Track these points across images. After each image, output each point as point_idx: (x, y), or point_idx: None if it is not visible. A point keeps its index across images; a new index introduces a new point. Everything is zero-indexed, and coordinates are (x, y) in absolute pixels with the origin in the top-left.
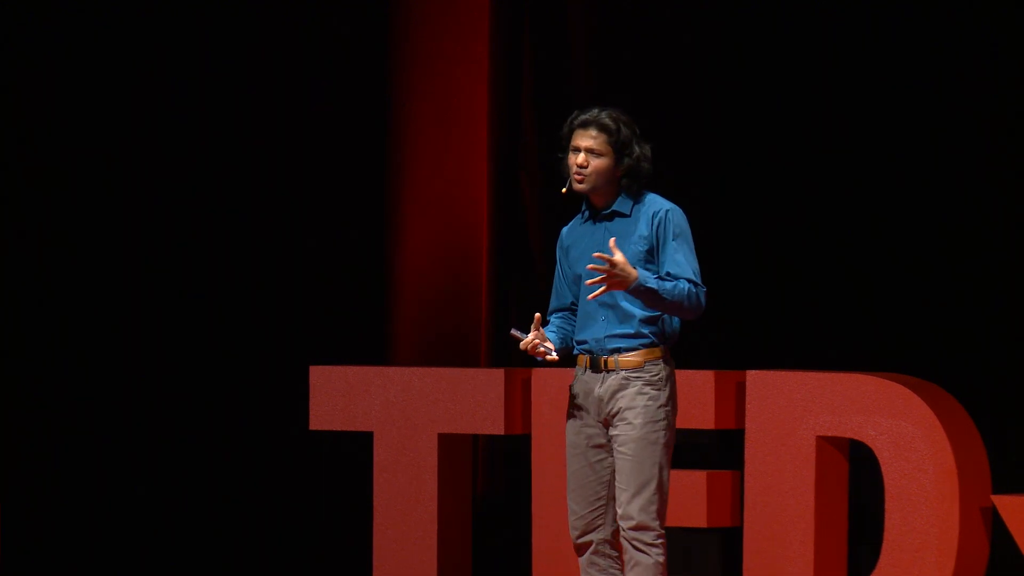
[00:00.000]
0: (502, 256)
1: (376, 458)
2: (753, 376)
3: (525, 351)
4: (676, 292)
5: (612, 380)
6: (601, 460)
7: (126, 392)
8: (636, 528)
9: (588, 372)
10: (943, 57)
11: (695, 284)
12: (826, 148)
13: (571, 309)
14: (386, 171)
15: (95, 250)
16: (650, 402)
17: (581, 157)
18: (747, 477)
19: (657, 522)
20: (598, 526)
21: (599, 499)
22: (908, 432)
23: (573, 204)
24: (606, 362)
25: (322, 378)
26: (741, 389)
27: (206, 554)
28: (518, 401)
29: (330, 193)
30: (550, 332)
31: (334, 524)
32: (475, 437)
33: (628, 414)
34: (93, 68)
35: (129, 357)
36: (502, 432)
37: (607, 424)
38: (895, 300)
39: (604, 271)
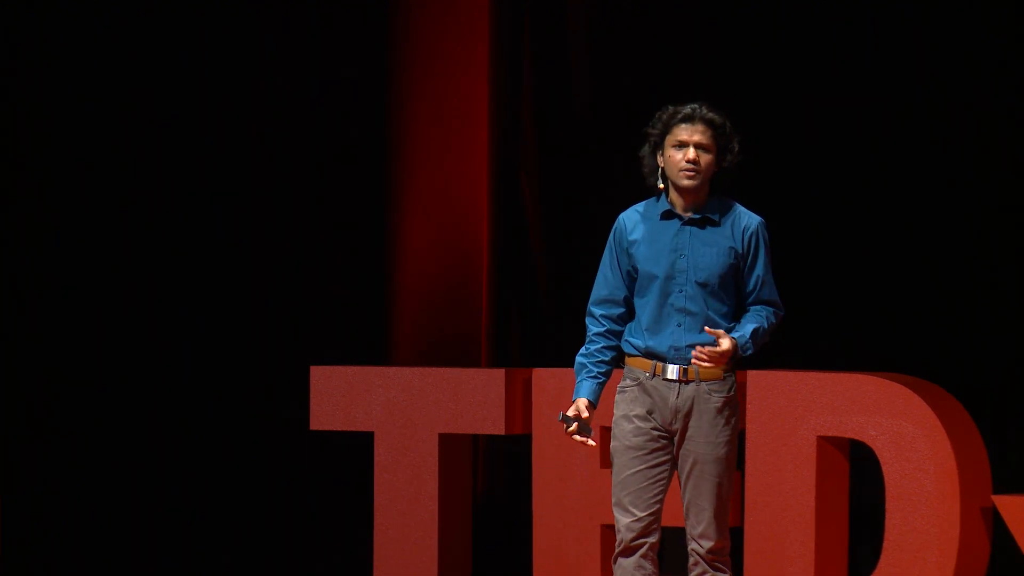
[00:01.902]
0: (502, 256)
1: (377, 458)
2: (753, 376)
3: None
4: (764, 338)
5: (690, 391)
6: (661, 464)
7: (126, 392)
8: (715, 550)
9: (657, 379)
10: (944, 57)
11: (777, 310)
12: (826, 148)
13: (623, 304)
14: (386, 171)
15: (96, 250)
16: (730, 419)
17: (692, 152)
18: (747, 477)
19: (729, 539)
20: (653, 529)
21: (657, 502)
22: (909, 432)
23: (573, 203)
24: (685, 371)
25: (322, 378)
26: (741, 389)
27: (206, 554)
28: (519, 401)
29: (330, 193)
30: (589, 379)
31: (334, 524)
32: (475, 437)
33: (711, 433)
34: (93, 68)
35: (129, 357)
36: (502, 432)
37: (675, 435)
38: (895, 300)
39: (710, 357)
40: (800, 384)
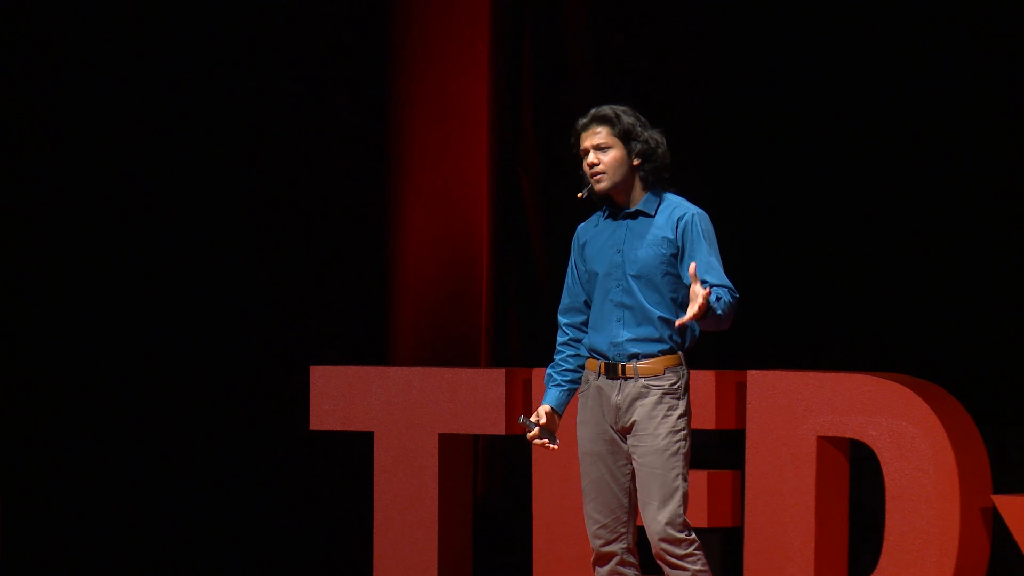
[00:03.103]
0: (502, 256)
1: (377, 458)
2: (753, 376)
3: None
4: (727, 310)
5: (630, 388)
6: (622, 467)
7: (127, 392)
8: (667, 541)
9: (603, 378)
10: (943, 56)
11: (731, 291)
12: (826, 148)
13: (584, 309)
14: (386, 171)
15: (96, 250)
16: (670, 412)
17: (591, 156)
18: (747, 477)
19: (684, 532)
20: (621, 534)
21: (621, 507)
22: (908, 432)
23: (574, 203)
24: (623, 369)
25: (322, 378)
26: (741, 389)
27: (206, 554)
28: (518, 401)
29: (331, 193)
30: (554, 387)
31: (334, 524)
32: (475, 437)
33: (649, 425)
34: (95, 70)
35: (129, 357)
36: (502, 432)
37: (624, 432)
38: (895, 300)
39: (700, 305)
40: (800, 384)
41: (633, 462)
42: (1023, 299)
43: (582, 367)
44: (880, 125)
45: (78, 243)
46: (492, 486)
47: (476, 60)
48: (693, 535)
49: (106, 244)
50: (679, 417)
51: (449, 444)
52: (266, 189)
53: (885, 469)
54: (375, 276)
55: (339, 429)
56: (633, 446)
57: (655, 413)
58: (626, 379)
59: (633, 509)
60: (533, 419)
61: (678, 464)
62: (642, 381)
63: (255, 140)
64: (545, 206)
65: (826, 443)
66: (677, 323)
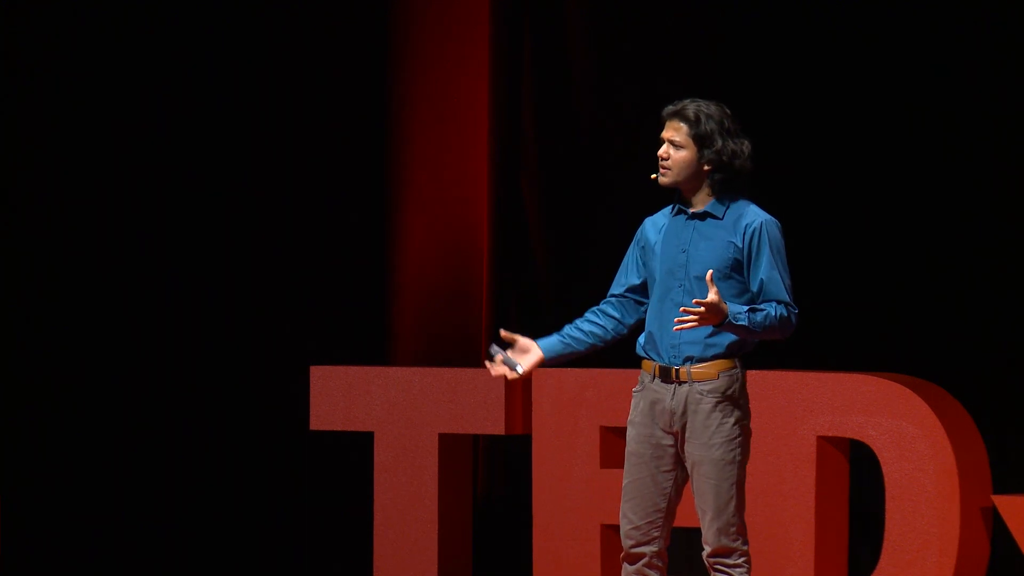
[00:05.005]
0: (502, 256)
1: (377, 458)
2: (753, 376)
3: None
4: (767, 323)
5: (684, 392)
6: (666, 472)
7: (126, 392)
8: (716, 553)
9: (657, 381)
10: (943, 56)
11: (788, 306)
12: (827, 146)
13: (624, 297)
14: (387, 171)
15: (96, 249)
16: (726, 419)
17: (663, 149)
18: (747, 477)
19: (738, 541)
20: (654, 538)
21: (658, 511)
22: (908, 432)
23: (573, 203)
24: (677, 372)
25: (322, 378)
26: None
27: (206, 554)
28: (519, 401)
29: (331, 193)
30: (556, 334)
31: (334, 524)
32: (475, 437)
33: (704, 434)
34: (96, 71)
35: (129, 357)
36: (503, 432)
37: (677, 436)
38: (895, 300)
39: (696, 313)
40: (800, 384)
41: (688, 468)
42: (1023, 299)
43: (594, 336)
44: (879, 125)
45: (78, 243)
46: (492, 486)
47: (476, 60)
48: (746, 546)
49: (105, 244)
50: (734, 424)
51: (449, 444)
52: (266, 189)
53: (885, 469)
54: (375, 276)
55: (339, 429)
56: (688, 453)
57: (710, 421)
58: (680, 383)
59: (670, 514)
60: (495, 353)
61: (733, 473)
62: (696, 386)
63: (255, 140)
64: (545, 206)
65: (826, 443)
66: (675, 328)
